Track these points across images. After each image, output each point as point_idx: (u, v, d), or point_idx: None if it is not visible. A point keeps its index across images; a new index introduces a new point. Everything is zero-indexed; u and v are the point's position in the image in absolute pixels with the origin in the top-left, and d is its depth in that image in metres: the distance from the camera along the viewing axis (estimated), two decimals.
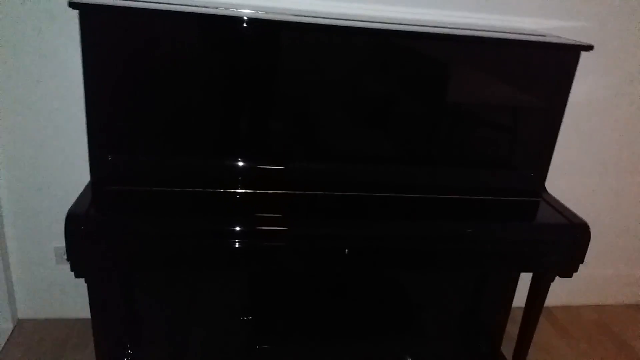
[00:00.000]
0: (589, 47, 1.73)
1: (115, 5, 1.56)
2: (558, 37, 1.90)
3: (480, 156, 1.91)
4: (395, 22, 1.87)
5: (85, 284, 1.53)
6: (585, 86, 2.11)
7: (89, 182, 1.64)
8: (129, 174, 1.65)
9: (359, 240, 1.59)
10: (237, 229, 1.53)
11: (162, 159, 1.69)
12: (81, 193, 1.58)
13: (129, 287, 1.85)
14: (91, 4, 1.51)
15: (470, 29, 1.80)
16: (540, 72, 1.81)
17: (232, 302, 1.98)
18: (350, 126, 1.80)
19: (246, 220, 1.56)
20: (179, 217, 1.56)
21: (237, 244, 1.53)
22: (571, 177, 2.33)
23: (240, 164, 1.72)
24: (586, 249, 1.70)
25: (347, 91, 1.76)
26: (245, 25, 1.61)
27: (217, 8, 1.70)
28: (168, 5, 1.63)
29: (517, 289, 2.10)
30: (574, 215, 1.75)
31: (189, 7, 1.64)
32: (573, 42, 1.79)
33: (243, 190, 1.69)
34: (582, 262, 1.72)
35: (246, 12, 1.68)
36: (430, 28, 1.83)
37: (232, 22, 1.63)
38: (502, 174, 1.92)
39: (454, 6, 1.97)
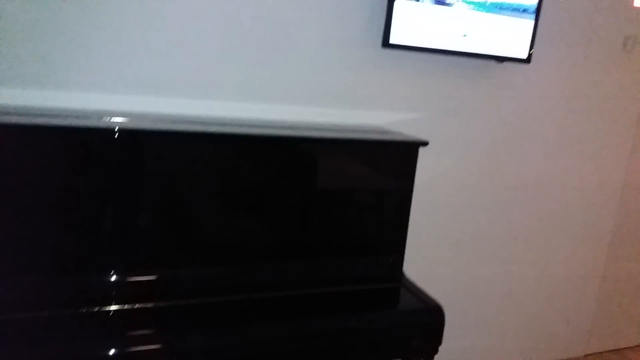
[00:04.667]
0: (425, 143, 1.93)
1: None
2: (401, 133, 2.09)
3: (345, 247, 2.00)
4: (260, 124, 1.97)
5: None
6: (429, 170, 2.32)
7: None
8: None
9: (221, 350, 1.57)
10: (111, 352, 1.45)
11: (23, 280, 1.58)
12: None
13: None
14: None
15: (324, 129, 1.96)
16: (389, 165, 1.99)
17: None
18: (218, 229, 1.82)
19: (118, 342, 1.48)
20: (43, 345, 1.44)
21: None
22: (427, 256, 2.49)
23: (111, 278, 1.65)
24: (442, 330, 1.81)
25: (217, 193, 1.79)
26: (110, 136, 1.58)
27: (77, 118, 1.68)
28: (18, 118, 1.60)
29: None
30: (429, 298, 1.87)
31: (48, 120, 1.62)
32: (413, 140, 1.99)
33: (115, 307, 1.62)
34: (440, 343, 1.82)
35: (110, 123, 1.66)
36: (291, 131, 1.94)
37: (97, 133, 1.61)
38: (366, 262, 2.01)
39: (307, 102, 2.10)
